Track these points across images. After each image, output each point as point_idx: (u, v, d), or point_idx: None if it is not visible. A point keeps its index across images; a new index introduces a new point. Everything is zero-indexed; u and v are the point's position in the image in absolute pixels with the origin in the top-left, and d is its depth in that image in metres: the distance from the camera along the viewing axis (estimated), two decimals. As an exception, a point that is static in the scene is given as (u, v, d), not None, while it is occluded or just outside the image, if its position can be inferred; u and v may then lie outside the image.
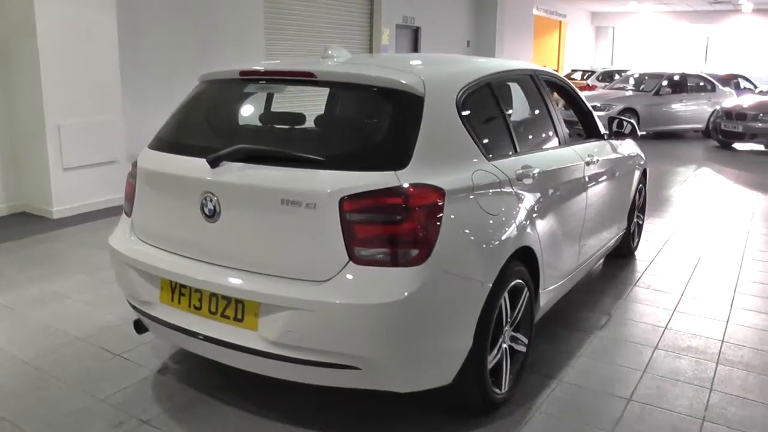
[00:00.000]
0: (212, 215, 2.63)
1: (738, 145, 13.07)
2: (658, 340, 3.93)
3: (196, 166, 2.70)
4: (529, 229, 3.06)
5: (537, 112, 3.83)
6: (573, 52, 26.38)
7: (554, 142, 3.80)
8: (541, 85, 3.88)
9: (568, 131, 3.98)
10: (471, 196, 2.70)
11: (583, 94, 4.70)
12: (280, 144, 2.82)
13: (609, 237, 4.70)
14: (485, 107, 3.17)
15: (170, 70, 8.06)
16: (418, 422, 2.93)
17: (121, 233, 3.08)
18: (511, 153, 3.19)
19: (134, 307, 3.03)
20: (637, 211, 5.43)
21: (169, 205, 2.84)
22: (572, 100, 4.40)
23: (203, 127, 3.10)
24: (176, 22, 8.15)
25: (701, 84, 14.84)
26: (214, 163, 2.62)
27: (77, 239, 5.79)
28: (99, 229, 6.01)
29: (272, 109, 3.31)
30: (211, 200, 2.63)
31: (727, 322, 4.25)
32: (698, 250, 5.95)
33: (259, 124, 3.27)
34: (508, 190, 2.98)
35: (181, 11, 8.20)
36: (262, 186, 2.54)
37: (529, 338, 3.25)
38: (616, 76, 19.48)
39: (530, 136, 3.67)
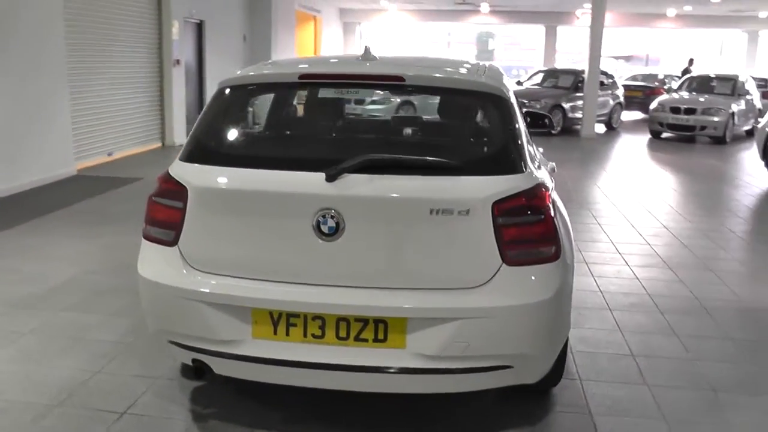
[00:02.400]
0: (333, 233, 2.37)
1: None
2: (605, 303, 4.43)
3: (304, 180, 2.40)
4: None
5: None
6: (327, 47, 27.21)
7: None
8: None
9: None
10: (554, 192, 2.83)
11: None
12: (384, 151, 2.59)
13: None
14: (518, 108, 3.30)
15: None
16: (516, 412, 2.98)
17: (164, 266, 2.57)
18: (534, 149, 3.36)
19: (196, 350, 2.55)
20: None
21: (257, 228, 2.47)
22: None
23: (270, 136, 2.71)
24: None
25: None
26: (332, 177, 2.36)
27: None
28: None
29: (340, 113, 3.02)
30: (332, 217, 2.36)
31: (638, 278, 4.94)
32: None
33: (344, 130, 2.96)
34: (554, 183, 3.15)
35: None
36: (406, 197, 2.38)
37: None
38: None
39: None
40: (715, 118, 13.32)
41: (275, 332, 2.43)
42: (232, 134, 2.70)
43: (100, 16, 9.24)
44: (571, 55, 29.19)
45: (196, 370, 2.62)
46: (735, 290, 4.76)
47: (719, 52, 28.19)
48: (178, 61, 11.17)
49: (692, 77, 15.55)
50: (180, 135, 11.38)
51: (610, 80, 15.88)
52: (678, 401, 3.14)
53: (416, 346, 2.37)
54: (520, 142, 2.61)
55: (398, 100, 13.06)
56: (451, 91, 2.79)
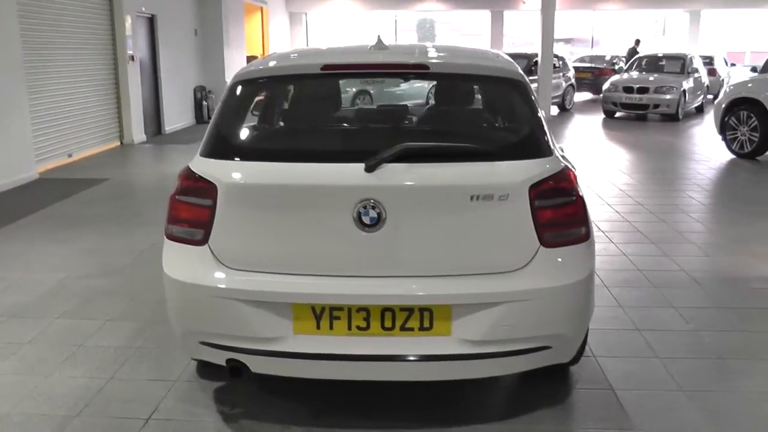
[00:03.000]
0: (375, 224, 2.36)
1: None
2: (601, 280, 4.52)
3: (342, 172, 2.38)
4: None
5: None
6: (274, 39, 26.93)
7: None
8: None
9: None
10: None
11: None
12: (416, 139, 2.57)
13: None
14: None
15: None
16: (542, 392, 3.03)
17: (195, 265, 2.50)
18: None
19: (233, 349, 2.50)
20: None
21: (295, 222, 2.43)
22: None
23: (297, 128, 2.67)
24: None
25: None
26: (372, 168, 2.34)
27: None
28: None
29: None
30: (373, 207, 2.34)
31: (625, 255, 5.07)
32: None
33: (369, 120, 2.93)
34: None
35: None
36: (447, 184, 2.39)
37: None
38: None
39: None
40: (668, 96, 13.72)
41: (318, 326, 2.41)
42: (257, 128, 2.65)
43: (53, 11, 8.90)
44: (513, 39, 29.56)
45: (232, 370, 2.56)
46: (717, 260, 4.94)
47: (662, 32, 28.99)
48: (132, 57, 10.85)
49: (642, 57, 15.94)
50: (138, 133, 11.09)
51: (561, 62, 16.15)
52: (689, 371, 3.25)
53: (461, 332, 2.39)
54: (545, 125, 2.64)
55: (354, 89, 13.02)
56: (475, 78, 2.81)
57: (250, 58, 21.75)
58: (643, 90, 13.95)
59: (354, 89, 13.11)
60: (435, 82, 3.28)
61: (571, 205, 2.51)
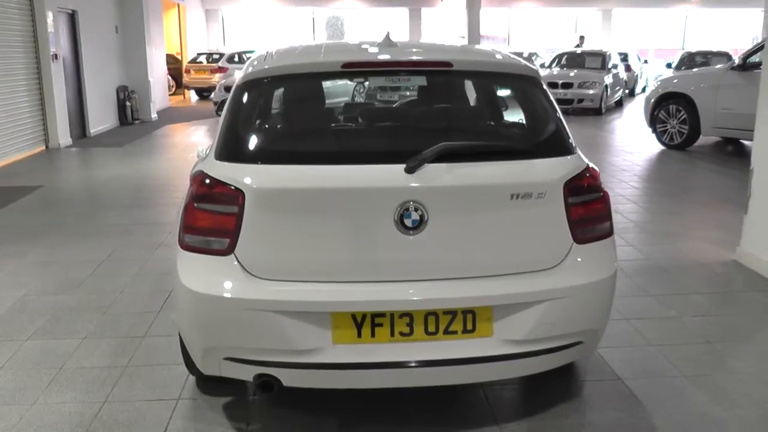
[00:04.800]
0: (417, 226, 2.30)
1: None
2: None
3: (382, 173, 2.30)
4: None
5: None
6: (192, 35, 26.21)
7: None
8: None
9: None
10: None
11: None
12: (448, 138, 2.50)
13: None
14: None
15: None
16: (555, 387, 3.06)
17: (220, 277, 2.35)
18: None
19: (264, 364, 2.36)
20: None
21: (332, 227, 2.33)
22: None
23: (323, 129, 2.55)
24: None
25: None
26: (413, 168, 2.28)
27: None
28: None
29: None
30: (416, 209, 2.29)
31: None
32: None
33: (392, 118, 2.83)
34: None
35: None
36: (489, 184, 2.36)
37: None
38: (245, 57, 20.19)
39: None
40: (591, 91, 14.27)
41: (359, 335, 2.33)
42: (281, 129, 2.53)
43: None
44: (432, 36, 29.95)
45: (263, 385, 2.42)
46: (677, 247, 5.17)
47: (574, 29, 30.17)
48: (55, 56, 10.23)
49: (562, 54, 16.50)
50: (64, 136, 10.49)
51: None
52: (685, 357, 3.37)
53: (503, 332, 2.38)
54: (565, 122, 2.66)
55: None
56: (499, 75, 2.80)
57: (169, 57, 21.04)
58: (567, 85, 14.45)
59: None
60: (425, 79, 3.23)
61: (599, 201, 2.55)
